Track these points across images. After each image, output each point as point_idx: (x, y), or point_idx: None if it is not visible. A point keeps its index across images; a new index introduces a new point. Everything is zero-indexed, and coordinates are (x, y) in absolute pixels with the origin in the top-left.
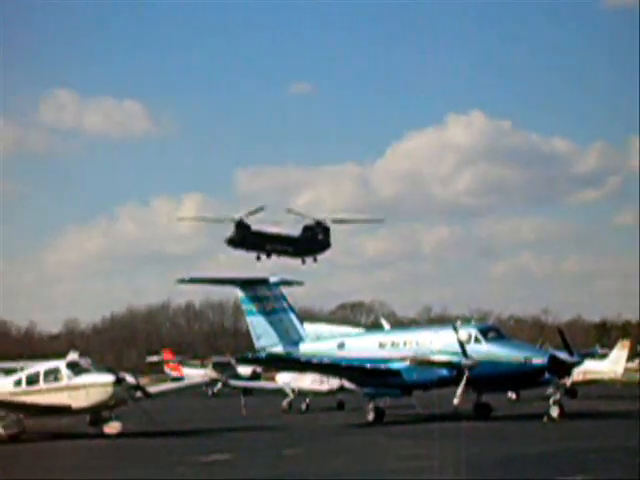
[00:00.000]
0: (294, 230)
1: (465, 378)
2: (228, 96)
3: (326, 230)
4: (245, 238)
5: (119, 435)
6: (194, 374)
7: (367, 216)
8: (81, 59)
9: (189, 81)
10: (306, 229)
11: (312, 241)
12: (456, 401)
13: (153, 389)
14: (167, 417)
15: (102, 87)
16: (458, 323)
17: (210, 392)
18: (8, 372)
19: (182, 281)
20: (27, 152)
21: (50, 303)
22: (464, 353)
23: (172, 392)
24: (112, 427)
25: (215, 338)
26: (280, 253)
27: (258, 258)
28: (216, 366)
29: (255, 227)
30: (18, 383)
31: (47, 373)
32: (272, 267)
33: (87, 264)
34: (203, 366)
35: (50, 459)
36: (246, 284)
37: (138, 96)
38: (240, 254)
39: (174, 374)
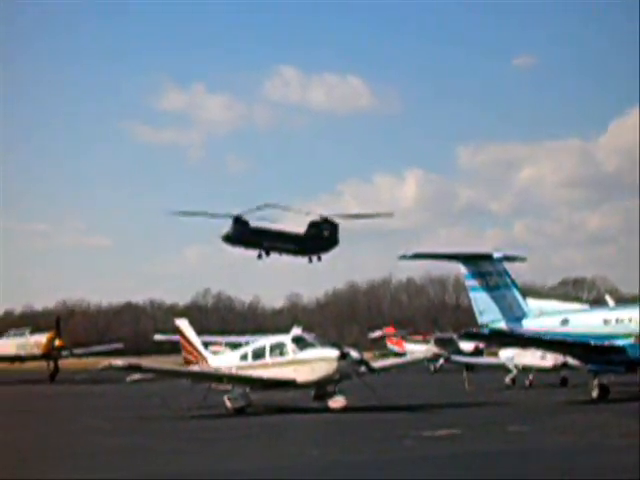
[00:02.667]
0: (300, 227)
1: None
2: (448, 70)
3: (334, 227)
4: (242, 235)
5: (344, 409)
6: (416, 349)
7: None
8: (303, 36)
9: (408, 57)
10: (312, 225)
11: (318, 238)
12: None
13: (377, 364)
14: (390, 392)
15: (325, 63)
16: None
17: (432, 368)
18: (234, 346)
19: (405, 257)
20: (252, 128)
21: (273, 278)
22: None
23: (395, 367)
24: (337, 401)
25: (436, 313)
26: (282, 251)
27: (259, 257)
28: (438, 342)
29: (255, 224)
30: (244, 357)
31: (273, 347)
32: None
33: None
34: (425, 341)
35: (276, 432)
36: (469, 259)
37: (360, 72)
38: None
39: (396, 349)
